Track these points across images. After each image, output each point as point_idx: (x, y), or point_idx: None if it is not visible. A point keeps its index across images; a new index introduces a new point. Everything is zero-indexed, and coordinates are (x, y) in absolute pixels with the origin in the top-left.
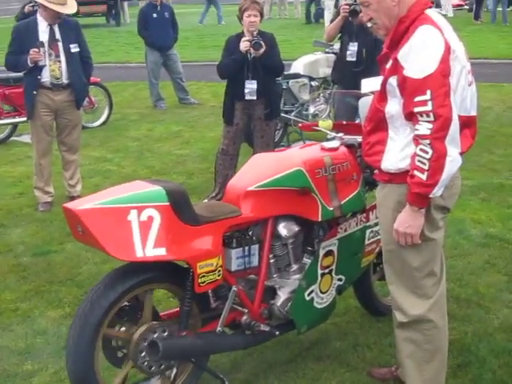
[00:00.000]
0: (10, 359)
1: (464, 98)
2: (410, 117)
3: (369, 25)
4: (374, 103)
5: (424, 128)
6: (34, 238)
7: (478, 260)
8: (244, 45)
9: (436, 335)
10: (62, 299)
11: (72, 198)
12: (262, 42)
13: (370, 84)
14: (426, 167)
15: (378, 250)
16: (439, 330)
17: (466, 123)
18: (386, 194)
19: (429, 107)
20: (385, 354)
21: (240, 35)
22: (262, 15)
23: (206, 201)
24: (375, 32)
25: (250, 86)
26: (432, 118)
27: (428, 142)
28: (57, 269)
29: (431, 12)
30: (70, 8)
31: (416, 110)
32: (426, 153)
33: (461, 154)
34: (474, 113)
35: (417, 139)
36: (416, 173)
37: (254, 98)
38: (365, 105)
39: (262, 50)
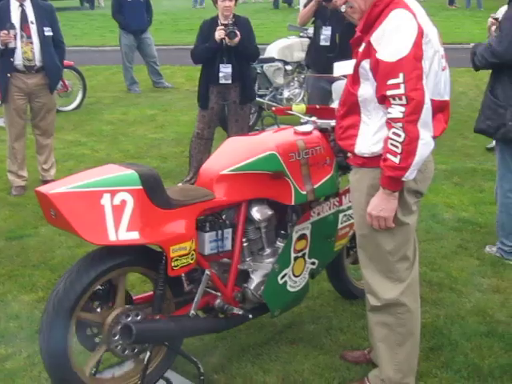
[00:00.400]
0: None
1: (437, 82)
2: (383, 100)
3: (343, 9)
4: (346, 87)
5: (396, 111)
6: (8, 222)
7: (451, 244)
8: (219, 33)
9: (409, 319)
10: (36, 283)
11: (46, 182)
12: (236, 30)
13: (343, 67)
14: (399, 150)
15: (351, 233)
16: (412, 313)
17: (440, 107)
18: (359, 178)
19: (401, 90)
20: (358, 337)
21: (215, 19)
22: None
23: (180, 184)
24: (349, 16)
25: (225, 70)
26: (404, 102)
27: (400, 125)
28: (30, 253)
29: None
30: None
31: (388, 93)
32: (399, 136)
33: (434, 138)
34: (447, 97)
35: (389, 123)
36: (389, 156)
37: (229, 81)
38: (338, 88)
39: (236, 39)
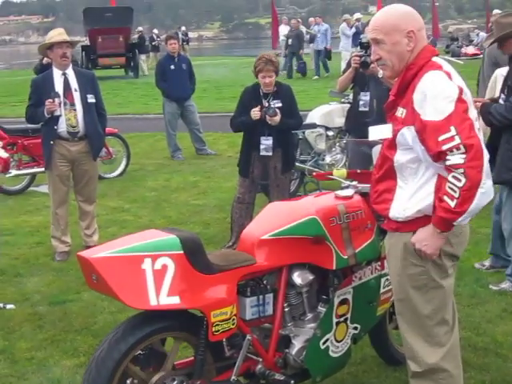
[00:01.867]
0: None
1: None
2: (438, 157)
3: (380, 75)
4: (382, 151)
5: (457, 158)
6: (51, 287)
7: (495, 308)
8: (254, 114)
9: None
10: (78, 348)
11: (88, 248)
12: (276, 109)
13: (378, 131)
14: (457, 195)
15: (393, 298)
16: (454, 379)
17: None
18: (393, 242)
19: (457, 141)
20: None
21: (257, 88)
22: (277, 72)
23: (222, 250)
24: (385, 80)
25: (266, 143)
26: (463, 150)
27: (462, 170)
28: (73, 318)
29: (438, 59)
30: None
31: (444, 147)
32: (459, 181)
33: None
34: None
35: (449, 168)
36: (445, 198)
37: (270, 153)
38: (378, 152)
39: (277, 118)
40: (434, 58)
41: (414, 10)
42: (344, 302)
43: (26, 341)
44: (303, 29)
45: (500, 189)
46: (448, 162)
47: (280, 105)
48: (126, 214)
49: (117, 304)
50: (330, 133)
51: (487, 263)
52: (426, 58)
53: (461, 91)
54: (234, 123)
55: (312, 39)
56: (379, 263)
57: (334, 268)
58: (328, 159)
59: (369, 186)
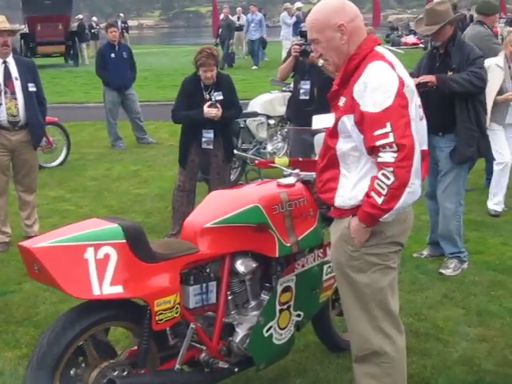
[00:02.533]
0: None
1: (417, 131)
2: (372, 151)
3: (320, 63)
4: (325, 140)
5: (388, 156)
6: None
7: (436, 294)
8: (209, 114)
9: (393, 368)
10: (19, 340)
11: (29, 238)
12: (220, 109)
13: (321, 120)
14: (384, 192)
15: (335, 285)
16: (397, 363)
17: (423, 157)
18: (337, 227)
19: (390, 139)
20: None
21: (197, 79)
22: (217, 65)
23: (165, 239)
24: (325, 69)
25: (207, 135)
26: (395, 149)
27: (391, 169)
28: (14, 309)
29: (381, 49)
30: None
31: (378, 143)
32: (388, 179)
33: None
34: (425, 146)
35: (379, 166)
36: (373, 194)
37: (211, 147)
38: (320, 141)
39: (219, 113)
40: (377, 48)
41: (345, 1)
42: (287, 289)
43: None
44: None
45: (430, 176)
46: (379, 159)
47: (221, 97)
48: (67, 204)
49: (59, 294)
50: (272, 121)
51: (425, 252)
52: (369, 48)
53: (401, 84)
54: (176, 115)
55: (238, 29)
56: (321, 250)
57: (277, 256)
58: (269, 148)
59: (311, 173)
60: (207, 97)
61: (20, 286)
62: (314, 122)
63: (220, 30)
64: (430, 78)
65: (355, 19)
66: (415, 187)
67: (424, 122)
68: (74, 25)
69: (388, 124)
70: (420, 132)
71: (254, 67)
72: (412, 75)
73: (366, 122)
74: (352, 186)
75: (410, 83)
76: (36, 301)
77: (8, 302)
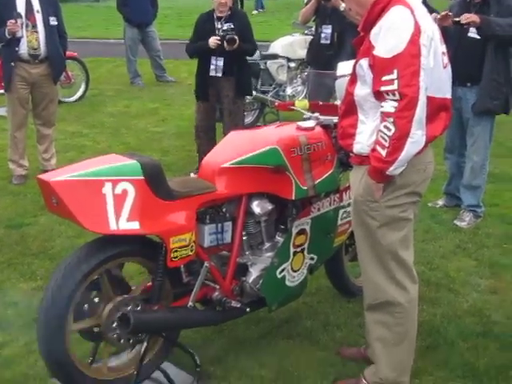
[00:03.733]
0: None
1: (439, 79)
2: (378, 96)
3: (342, 8)
4: (346, 86)
5: (389, 106)
6: (8, 211)
7: (449, 244)
8: (213, 43)
9: (406, 318)
10: (35, 272)
11: (46, 172)
12: (235, 36)
13: (346, 67)
14: (387, 144)
15: (350, 230)
16: (409, 313)
17: (441, 105)
18: (356, 174)
19: (394, 86)
20: (354, 334)
21: (211, 13)
22: None
23: (183, 177)
24: (347, 14)
25: (216, 63)
26: (397, 97)
27: (392, 119)
28: (30, 241)
29: None
30: None
31: (382, 88)
32: (389, 130)
33: (435, 137)
34: (448, 95)
35: (382, 116)
36: (377, 147)
37: (219, 74)
38: (341, 86)
39: (235, 46)
40: None
41: None
42: (302, 232)
43: None
44: None
45: (450, 128)
46: (381, 109)
47: (231, 27)
48: (85, 139)
49: (74, 228)
50: (292, 64)
51: (441, 202)
52: None
53: (417, 30)
54: (189, 48)
55: None
56: (338, 195)
57: (293, 198)
58: (289, 90)
59: (330, 118)
60: (218, 26)
61: (36, 219)
62: (339, 68)
63: None
64: (474, 18)
65: None
66: (417, 137)
67: (448, 70)
68: None
69: (395, 71)
70: (443, 80)
71: (255, 12)
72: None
73: (376, 66)
74: (370, 132)
75: (431, 30)
76: (52, 234)
77: (24, 234)
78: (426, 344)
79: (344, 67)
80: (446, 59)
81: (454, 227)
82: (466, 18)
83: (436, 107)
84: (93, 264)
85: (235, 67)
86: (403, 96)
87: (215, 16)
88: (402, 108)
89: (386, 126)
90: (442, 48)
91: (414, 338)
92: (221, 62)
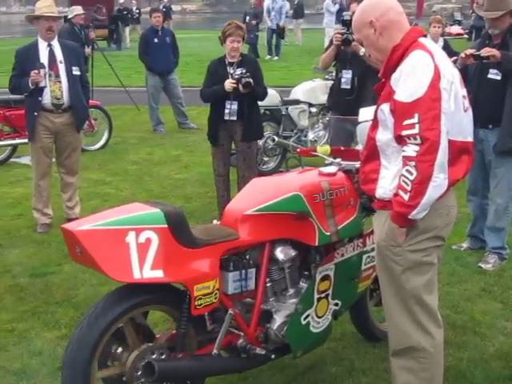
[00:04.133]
0: (6, 379)
1: (460, 123)
2: (400, 140)
3: (361, 53)
4: (368, 131)
5: (411, 150)
6: (32, 259)
7: (474, 287)
8: (229, 86)
9: (431, 363)
10: (59, 320)
11: (70, 220)
12: (250, 80)
13: (367, 113)
14: (409, 188)
15: (374, 275)
16: (435, 358)
17: (463, 149)
18: (379, 219)
19: (416, 130)
20: (380, 379)
21: (222, 59)
22: (243, 39)
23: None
24: (367, 59)
25: (231, 107)
26: (419, 141)
27: (414, 163)
28: (54, 290)
29: (424, 40)
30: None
31: (404, 133)
32: (411, 174)
33: (456, 180)
34: (470, 139)
35: (404, 160)
36: (400, 192)
37: (234, 118)
38: (363, 131)
39: (250, 89)
40: (421, 39)
41: None
42: (326, 278)
43: (7, 312)
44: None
45: (473, 170)
46: (403, 153)
47: (245, 71)
48: (108, 187)
49: (98, 277)
50: (313, 109)
51: (465, 245)
52: (412, 39)
53: (437, 75)
54: (204, 93)
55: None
56: (361, 240)
57: (317, 244)
58: (311, 136)
59: (352, 163)
60: (231, 71)
61: (60, 268)
62: (361, 114)
63: (247, 18)
64: (495, 52)
65: (387, 13)
66: (440, 181)
67: (469, 114)
68: (117, 9)
69: (416, 115)
70: (464, 123)
71: (274, 57)
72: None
73: (397, 111)
74: (392, 177)
75: (451, 74)
76: (76, 282)
77: (48, 283)
78: None
79: (366, 113)
80: (466, 103)
81: (479, 270)
82: (486, 51)
83: (457, 151)
84: (117, 312)
85: (246, 111)
86: (425, 140)
87: (227, 62)
88: (423, 152)
89: (408, 171)
90: (463, 92)
91: (441, 382)
92: (235, 106)
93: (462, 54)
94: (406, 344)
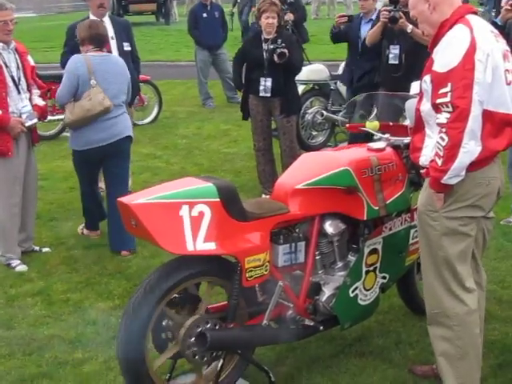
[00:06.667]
0: (62, 347)
1: (501, 95)
2: (436, 109)
3: (409, 30)
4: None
5: (443, 117)
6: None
7: None
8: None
9: (464, 331)
10: (112, 291)
11: None
12: (285, 50)
13: (418, 86)
14: (442, 153)
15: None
16: (468, 324)
17: (506, 121)
18: (424, 186)
19: (448, 98)
20: (426, 351)
21: (258, 35)
22: (279, 16)
23: (257, 198)
24: (415, 36)
25: (266, 84)
26: (450, 109)
27: (445, 130)
28: (107, 262)
29: (472, 16)
30: None
31: (438, 101)
32: (443, 140)
33: (498, 151)
34: None
35: (438, 128)
36: (435, 157)
37: (268, 95)
38: (411, 107)
39: (285, 59)
40: (469, 15)
41: None
42: (374, 251)
43: (62, 283)
44: None
45: None
46: (437, 121)
47: (280, 41)
48: (158, 161)
49: (150, 249)
50: None
51: None
52: (460, 14)
53: (472, 47)
54: (237, 82)
55: None
56: (409, 215)
57: (365, 218)
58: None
59: (401, 138)
60: (265, 48)
61: None
62: (412, 87)
63: None
64: None
65: None
66: (470, 147)
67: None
68: None
69: (449, 84)
70: (506, 96)
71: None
72: None
73: (434, 81)
74: (434, 145)
75: (489, 48)
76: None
77: (101, 254)
78: (498, 362)
79: (417, 86)
80: (510, 77)
81: None
82: None
83: (500, 122)
84: (172, 283)
85: (283, 86)
86: (455, 107)
87: (263, 38)
88: (453, 119)
89: (441, 137)
90: (506, 65)
91: (479, 352)
92: (269, 83)
93: (503, 9)
94: (440, 309)
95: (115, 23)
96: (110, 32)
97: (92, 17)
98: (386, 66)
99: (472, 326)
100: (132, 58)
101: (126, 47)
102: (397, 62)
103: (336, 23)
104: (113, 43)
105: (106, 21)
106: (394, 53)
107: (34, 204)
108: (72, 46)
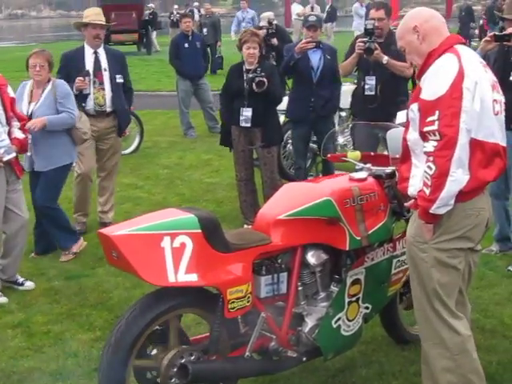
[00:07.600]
0: (42, 380)
1: (490, 125)
2: (423, 137)
3: (384, 61)
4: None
5: (430, 145)
6: (67, 263)
7: (504, 291)
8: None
9: (465, 356)
10: (93, 323)
11: (104, 225)
12: (264, 79)
13: (404, 116)
14: (429, 182)
15: (404, 279)
16: (467, 352)
17: (496, 151)
18: (413, 217)
19: (435, 126)
20: (410, 382)
21: (241, 63)
22: (261, 46)
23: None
24: (386, 60)
25: (246, 114)
26: (438, 137)
27: (432, 158)
28: (88, 293)
29: (461, 46)
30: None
31: (425, 129)
32: (431, 169)
33: (487, 182)
34: (502, 143)
35: (426, 156)
36: (423, 187)
37: (249, 125)
38: (393, 137)
39: (264, 88)
40: (457, 46)
41: (422, 7)
42: (356, 282)
43: (43, 315)
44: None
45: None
46: (424, 149)
47: (260, 70)
48: (140, 191)
49: (131, 280)
50: (343, 113)
51: (495, 248)
52: (448, 45)
53: (460, 75)
54: (225, 116)
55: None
56: (391, 245)
57: (347, 248)
58: (341, 140)
59: (383, 168)
60: (246, 77)
61: (94, 271)
62: (398, 117)
63: (205, 30)
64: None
65: (430, 19)
66: (457, 176)
67: (500, 118)
68: (147, 13)
69: (437, 112)
70: (495, 126)
71: None
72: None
73: (422, 110)
74: (422, 175)
75: (477, 76)
76: (109, 285)
77: (82, 286)
78: None
79: (403, 116)
80: (498, 107)
81: (509, 273)
82: (510, 31)
83: (489, 152)
84: (154, 315)
85: (263, 117)
86: (443, 136)
87: (244, 69)
88: (441, 147)
89: (428, 166)
90: (495, 96)
91: (482, 377)
92: (249, 113)
93: (482, 41)
94: (437, 340)
95: (109, 54)
96: (104, 63)
97: (87, 47)
98: (363, 97)
99: (470, 352)
100: (124, 88)
101: (119, 79)
102: (373, 93)
103: (301, 49)
104: (106, 74)
105: (101, 52)
106: (369, 83)
107: (23, 239)
108: (65, 74)
